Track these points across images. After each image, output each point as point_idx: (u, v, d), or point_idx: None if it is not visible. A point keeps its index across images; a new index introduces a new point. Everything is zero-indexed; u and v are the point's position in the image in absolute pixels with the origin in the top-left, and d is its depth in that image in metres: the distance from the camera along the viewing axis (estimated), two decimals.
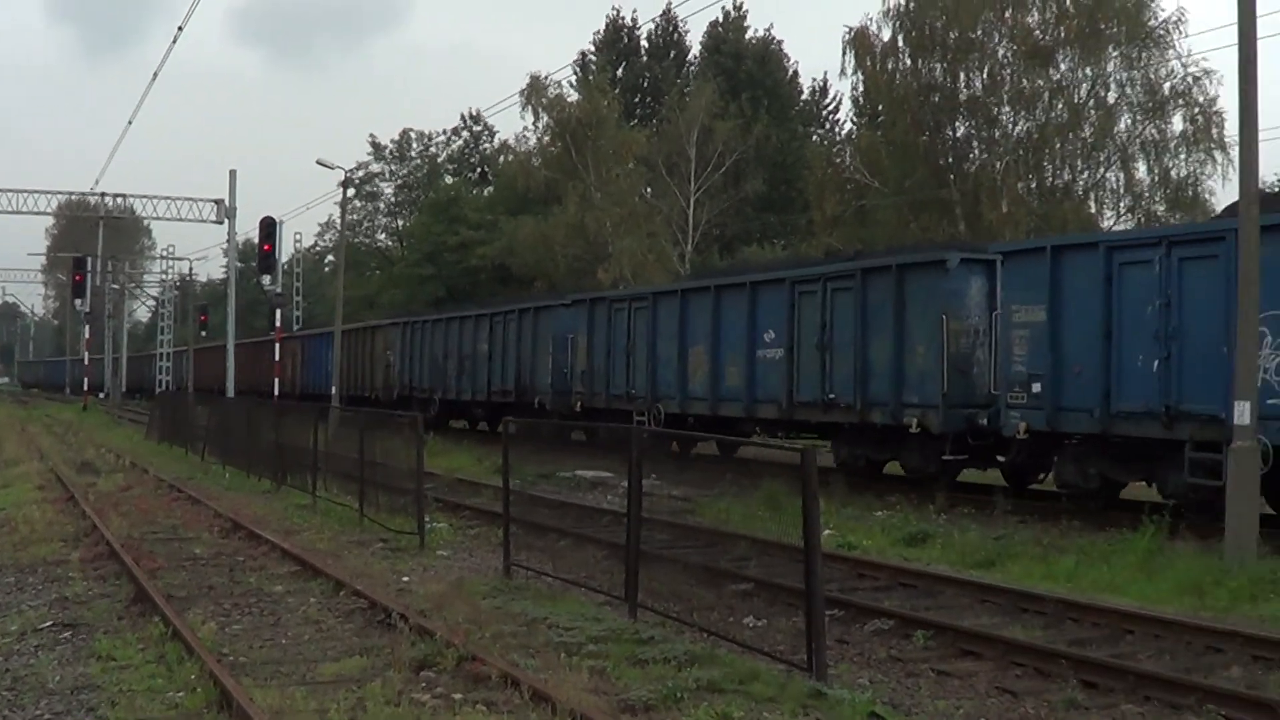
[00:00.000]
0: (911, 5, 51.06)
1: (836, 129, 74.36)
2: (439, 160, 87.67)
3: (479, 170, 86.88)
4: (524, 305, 41.29)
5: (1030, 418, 22.19)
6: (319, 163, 50.58)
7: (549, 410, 37.51)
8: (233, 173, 49.22)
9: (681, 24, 78.21)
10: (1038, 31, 49.54)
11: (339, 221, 62.92)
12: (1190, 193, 48.79)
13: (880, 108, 54.76)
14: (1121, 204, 50.29)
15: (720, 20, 75.78)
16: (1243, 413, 17.12)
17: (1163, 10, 49.09)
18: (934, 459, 24.52)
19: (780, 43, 77.41)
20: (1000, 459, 24.20)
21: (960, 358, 23.91)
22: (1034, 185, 51.00)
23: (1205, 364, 19.51)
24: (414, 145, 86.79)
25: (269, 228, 46.27)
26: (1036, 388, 22.06)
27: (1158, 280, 20.14)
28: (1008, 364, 22.67)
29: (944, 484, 24.34)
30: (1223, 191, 48.40)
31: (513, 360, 40.49)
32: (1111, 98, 49.73)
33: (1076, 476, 21.95)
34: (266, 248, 46.76)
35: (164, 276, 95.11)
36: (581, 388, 35.86)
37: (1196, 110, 48.31)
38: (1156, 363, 20.12)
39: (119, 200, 61.86)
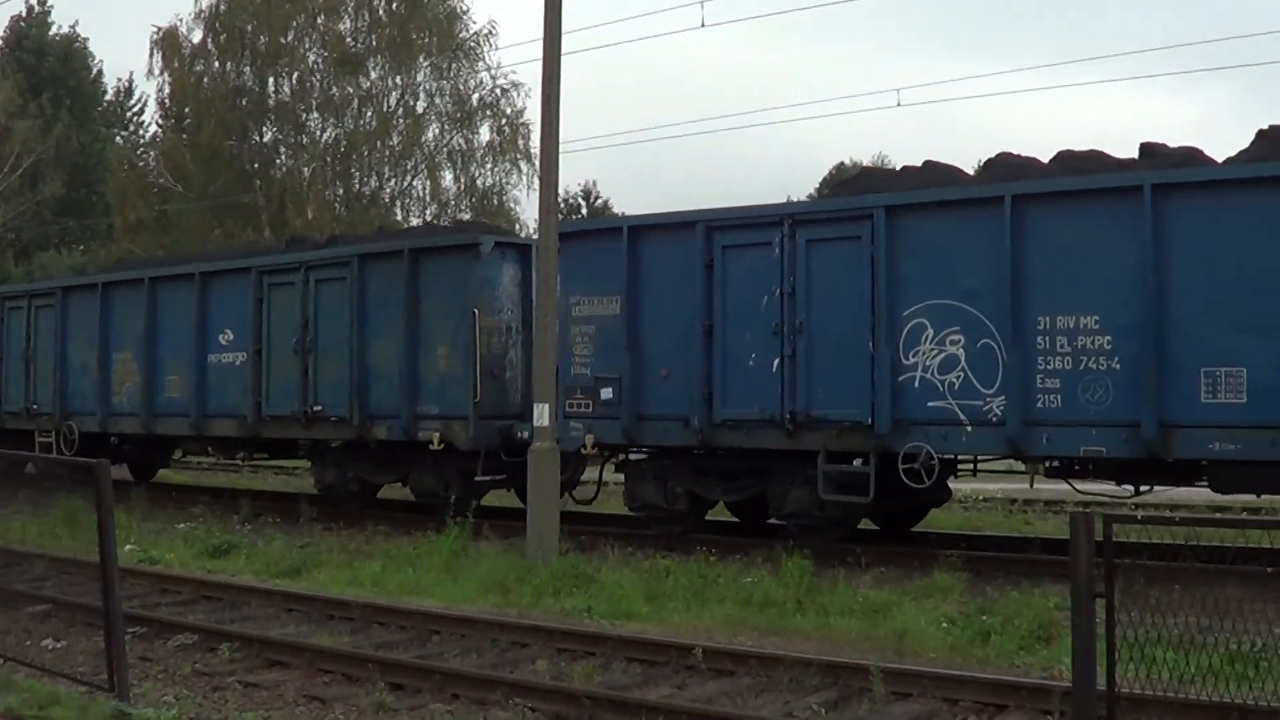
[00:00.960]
0: (222, 7, 44.10)
1: (141, 132, 64.04)
2: None
3: None
4: None
5: (599, 429, 16.70)
6: None
7: None
8: None
9: None
10: (350, 39, 44.59)
11: None
12: (496, 201, 45.76)
13: (187, 110, 46.99)
14: (428, 211, 46.29)
15: (23, 15, 63.36)
16: (542, 414, 15.43)
17: (474, 23, 45.99)
18: (460, 480, 18.31)
19: (85, 40, 65.66)
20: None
21: (493, 360, 17.96)
22: (341, 191, 45.72)
23: (843, 362, 14.92)
24: None
25: None
26: (608, 393, 16.59)
27: (778, 265, 15.30)
28: (567, 366, 16.93)
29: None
30: (528, 200, 46.85)
31: None
32: (421, 107, 45.81)
33: (658, 497, 16.69)
34: None
35: None
36: None
37: (504, 121, 45.64)
38: (777, 362, 15.27)
39: None
